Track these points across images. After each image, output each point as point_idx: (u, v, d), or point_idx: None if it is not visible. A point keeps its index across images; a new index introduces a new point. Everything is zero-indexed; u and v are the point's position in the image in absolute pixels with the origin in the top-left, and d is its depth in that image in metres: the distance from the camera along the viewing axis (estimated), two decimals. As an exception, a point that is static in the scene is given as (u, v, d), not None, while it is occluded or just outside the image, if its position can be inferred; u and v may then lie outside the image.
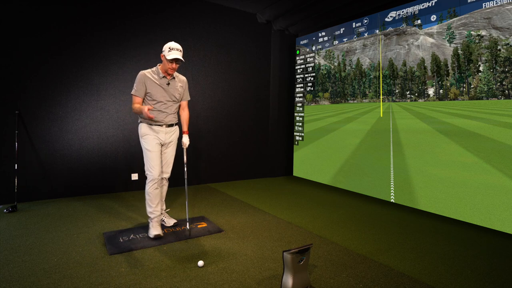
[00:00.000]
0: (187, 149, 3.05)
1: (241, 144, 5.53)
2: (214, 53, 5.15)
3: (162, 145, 2.88)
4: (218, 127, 5.27)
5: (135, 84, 2.76)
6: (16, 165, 3.68)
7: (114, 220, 3.25)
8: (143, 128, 2.81)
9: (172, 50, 2.71)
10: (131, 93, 2.78)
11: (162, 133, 2.84)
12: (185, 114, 3.05)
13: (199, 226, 3.08)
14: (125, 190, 4.47)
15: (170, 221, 3.09)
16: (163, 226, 3.02)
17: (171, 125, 2.91)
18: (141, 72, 2.77)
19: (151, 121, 2.79)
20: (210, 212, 3.56)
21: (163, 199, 3.05)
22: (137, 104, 2.74)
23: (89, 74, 4.19)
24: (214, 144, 5.25)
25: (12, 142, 3.72)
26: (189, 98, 3.08)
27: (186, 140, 3.00)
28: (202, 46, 5.02)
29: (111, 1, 4.28)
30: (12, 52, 3.74)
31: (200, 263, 2.23)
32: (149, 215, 2.82)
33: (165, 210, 3.13)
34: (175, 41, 2.81)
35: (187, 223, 2.99)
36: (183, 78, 3.02)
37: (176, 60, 2.72)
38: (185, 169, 3.01)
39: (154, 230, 2.76)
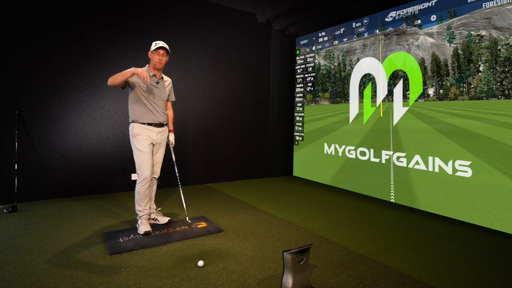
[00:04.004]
0: (174, 147, 3.22)
1: (241, 144, 5.52)
2: (214, 53, 5.15)
3: (153, 145, 2.92)
4: (218, 127, 5.27)
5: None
6: (16, 165, 3.68)
7: (114, 220, 3.25)
8: (135, 128, 2.84)
9: (158, 43, 2.87)
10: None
11: (154, 133, 2.89)
12: (170, 114, 3.17)
13: (199, 226, 3.08)
14: (125, 190, 4.47)
15: (163, 219, 3.12)
16: (158, 225, 3.05)
17: (162, 125, 2.97)
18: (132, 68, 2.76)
19: (143, 120, 2.82)
20: (210, 212, 3.56)
21: (153, 199, 3.07)
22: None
23: (89, 74, 4.19)
24: (214, 144, 5.25)
25: (12, 142, 3.72)
26: (174, 99, 3.19)
27: (172, 138, 3.16)
28: (202, 46, 5.02)
29: (111, 1, 4.28)
30: (12, 52, 3.74)
31: (200, 263, 2.23)
32: (138, 213, 2.89)
33: (156, 209, 3.16)
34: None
35: (187, 217, 3.09)
36: (169, 78, 3.15)
37: (162, 48, 2.82)
38: (176, 168, 3.15)
39: (144, 227, 2.83)
